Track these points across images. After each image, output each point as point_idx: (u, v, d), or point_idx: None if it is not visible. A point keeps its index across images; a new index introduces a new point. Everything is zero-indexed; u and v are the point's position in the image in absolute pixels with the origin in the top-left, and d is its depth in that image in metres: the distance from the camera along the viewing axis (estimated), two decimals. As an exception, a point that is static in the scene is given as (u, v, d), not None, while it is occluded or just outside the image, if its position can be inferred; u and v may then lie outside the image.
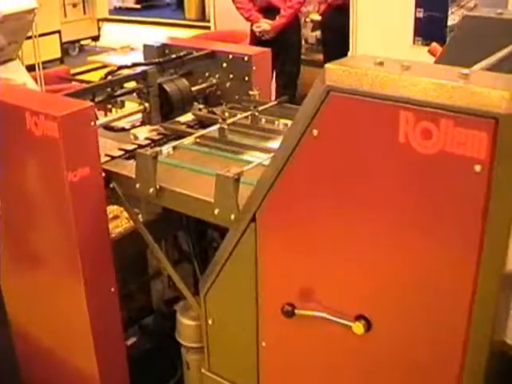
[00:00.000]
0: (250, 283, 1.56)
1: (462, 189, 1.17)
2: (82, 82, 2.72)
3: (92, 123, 1.86)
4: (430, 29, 3.88)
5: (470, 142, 1.13)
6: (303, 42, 5.91)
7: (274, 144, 2.06)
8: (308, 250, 1.44)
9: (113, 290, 2.07)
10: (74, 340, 2.15)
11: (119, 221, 2.52)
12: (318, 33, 5.93)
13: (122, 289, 2.16)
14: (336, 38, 5.32)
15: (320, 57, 5.67)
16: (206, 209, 1.73)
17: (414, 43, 4.04)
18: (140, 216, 2.31)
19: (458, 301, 1.27)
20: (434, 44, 2.09)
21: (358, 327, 1.39)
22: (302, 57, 5.67)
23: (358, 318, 1.40)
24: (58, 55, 8.25)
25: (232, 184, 1.63)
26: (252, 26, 5.28)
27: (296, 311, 1.47)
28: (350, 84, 1.22)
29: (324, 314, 1.43)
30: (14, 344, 2.43)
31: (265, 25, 5.17)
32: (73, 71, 5.86)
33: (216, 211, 1.69)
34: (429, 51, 2.08)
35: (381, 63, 1.25)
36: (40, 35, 7.46)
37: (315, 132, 1.28)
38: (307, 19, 6.04)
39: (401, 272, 1.33)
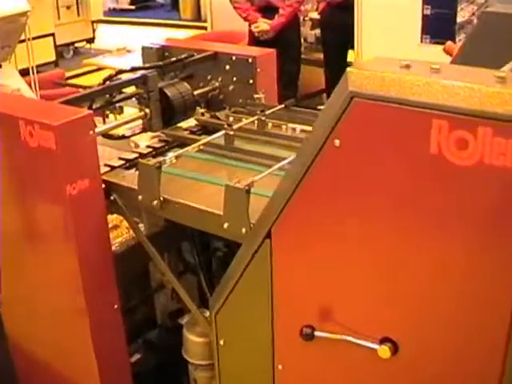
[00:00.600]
0: (265, 303, 1.45)
1: (503, 203, 1.06)
2: (77, 86, 2.61)
3: (91, 132, 1.75)
4: (438, 26, 3.74)
5: (510, 151, 1.03)
6: (302, 40, 5.80)
7: (283, 150, 1.97)
8: (328, 268, 1.33)
9: (116, 306, 1.97)
10: (76, 358, 2.05)
11: (120, 230, 2.42)
12: (317, 31, 5.82)
13: (125, 303, 2.06)
14: (336, 36, 5.22)
15: (320, 56, 5.56)
16: (214, 222, 1.63)
17: (421, 41, 3.90)
18: (142, 226, 2.22)
19: (496, 321, 1.17)
20: (449, 42, 1.99)
21: (384, 351, 1.29)
22: (302, 56, 5.57)
23: (384, 340, 1.30)
24: (53, 58, 8.12)
25: (243, 196, 1.53)
26: (250, 26, 5.17)
27: (316, 333, 1.36)
28: (375, 89, 1.11)
29: (346, 337, 1.33)
30: (12, 359, 2.33)
31: (263, 25, 5.05)
32: (68, 74, 5.74)
33: (225, 225, 1.58)
34: (444, 50, 1.98)
35: (407, 66, 1.15)
36: (34, 38, 7.35)
37: (337, 142, 1.17)
38: (306, 18, 5.93)
39: (431, 291, 1.23)
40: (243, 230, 1.54)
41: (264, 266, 1.42)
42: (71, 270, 1.82)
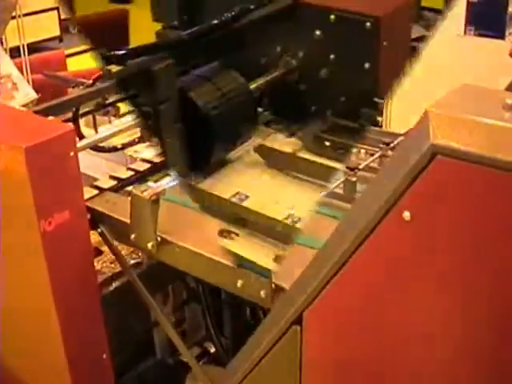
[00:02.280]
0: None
1: None
2: (66, 80, 2.25)
3: (71, 153, 1.39)
4: (485, 16, 3.28)
5: None
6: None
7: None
8: (379, 369, 0.98)
9: (104, 356, 1.63)
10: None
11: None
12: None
13: (120, 339, 1.75)
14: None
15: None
16: (224, 277, 1.29)
17: (464, 33, 3.45)
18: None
19: None
20: (518, 44, 1.60)
21: None
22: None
23: None
24: (57, 33, 7.72)
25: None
26: None
27: None
28: (470, 144, 0.74)
29: None
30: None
31: None
32: (67, 52, 5.35)
33: (239, 283, 1.24)
34: (510, 54, 1.58)
35: (512, 107, 0.78)
36: (37, 12, 6.97)
37: (407, 215, 0.80)
38: None
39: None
40: (262, 293, 1.19)
41: (291, 356, 1.05)
42: (47, 319, 1.48)
